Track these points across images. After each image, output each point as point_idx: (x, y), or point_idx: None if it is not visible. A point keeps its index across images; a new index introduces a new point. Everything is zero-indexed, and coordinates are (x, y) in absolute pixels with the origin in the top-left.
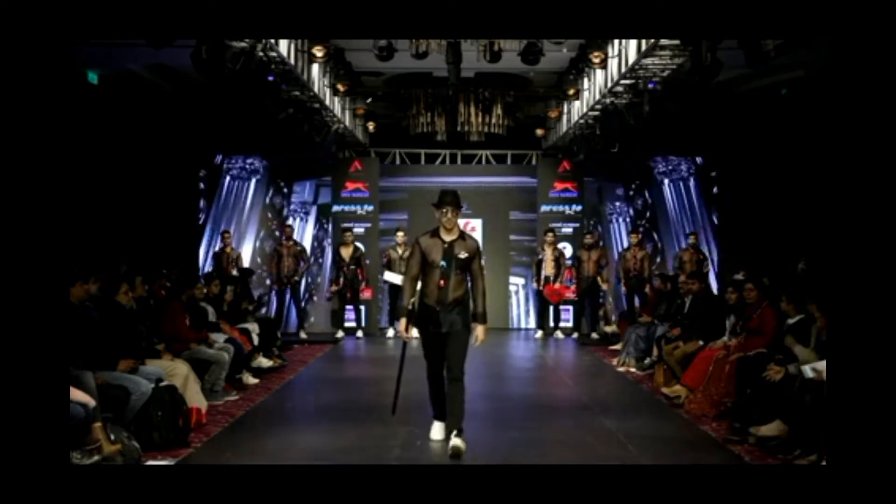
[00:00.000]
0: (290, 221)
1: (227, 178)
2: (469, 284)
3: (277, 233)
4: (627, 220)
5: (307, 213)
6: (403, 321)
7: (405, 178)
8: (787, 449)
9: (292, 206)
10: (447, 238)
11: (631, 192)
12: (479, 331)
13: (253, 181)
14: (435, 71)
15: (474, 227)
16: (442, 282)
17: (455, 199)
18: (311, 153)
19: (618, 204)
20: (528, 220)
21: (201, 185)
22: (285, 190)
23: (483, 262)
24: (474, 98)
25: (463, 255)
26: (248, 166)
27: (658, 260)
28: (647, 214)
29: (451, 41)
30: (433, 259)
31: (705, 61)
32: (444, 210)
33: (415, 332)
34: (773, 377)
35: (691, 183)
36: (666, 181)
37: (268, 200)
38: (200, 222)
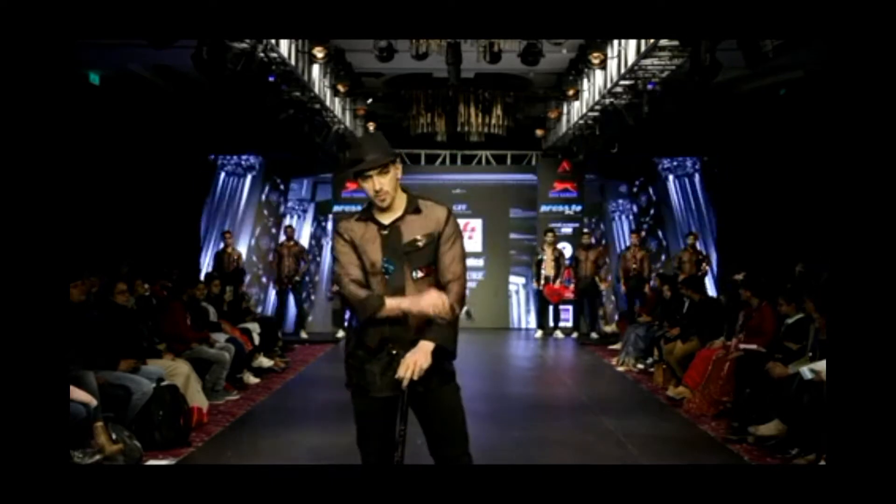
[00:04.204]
0: (289, 221)
1: (222, 175)
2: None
3: (274, 230)
4: (630, 217)
5: (305, 211)
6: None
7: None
8: (785, 448)
9: (289, 204)
10: (385, 219)
11: (634, 189)
12: (416, 352)
13: (248, 178)
14: (435, 72)
15: (474, 228)
16: None
17: (378, 148)
18: (311, 153)
19: (620, 202)
20: (528, 218)
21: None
22: (282, 187)
23: (461, 242)
24: (474, 99)
25: (420, 240)
26: (243, 163)
27: (663, 258)
28: (651, 212)
29: (451, 42)
30: (370, 259)
31: (704, 62)
32: (366, 174)
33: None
34: (778, 374)
35: (696, 179)
36: (671, 177)
37: (264, 198)
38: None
